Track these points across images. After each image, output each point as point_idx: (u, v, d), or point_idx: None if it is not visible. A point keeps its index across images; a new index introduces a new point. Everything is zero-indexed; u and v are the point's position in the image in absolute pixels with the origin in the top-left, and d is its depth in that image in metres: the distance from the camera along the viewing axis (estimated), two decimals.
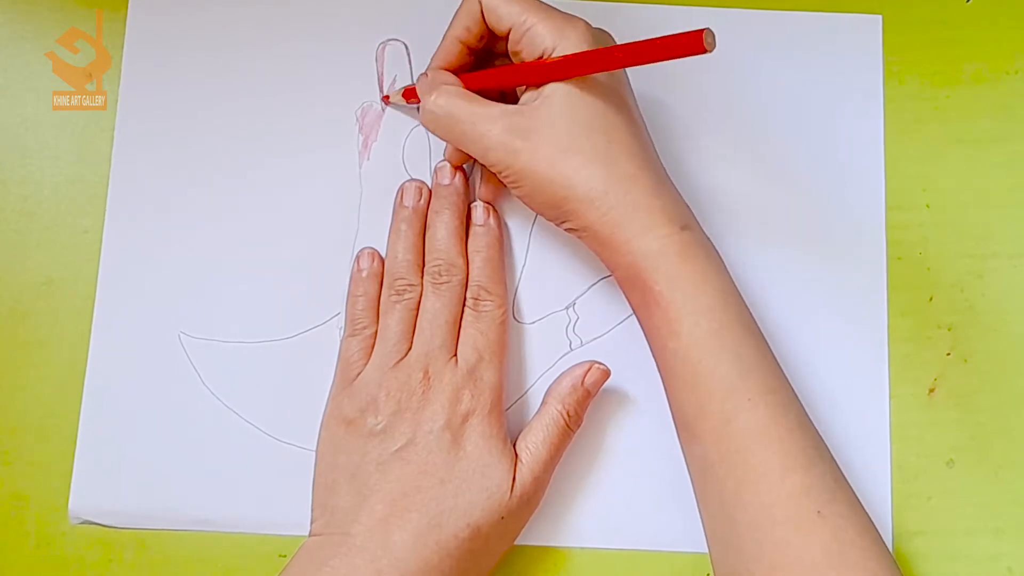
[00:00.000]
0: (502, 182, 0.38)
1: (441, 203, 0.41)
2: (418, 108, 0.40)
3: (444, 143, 0.41)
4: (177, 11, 0.43)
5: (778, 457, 0.34)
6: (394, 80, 0.43)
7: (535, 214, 0.42)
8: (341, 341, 0.41)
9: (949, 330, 0.42)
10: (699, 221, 0.38)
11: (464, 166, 0.42)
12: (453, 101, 0.38)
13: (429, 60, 0.41)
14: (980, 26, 0.44)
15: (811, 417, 0.36)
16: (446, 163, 0.42)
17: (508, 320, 0.41)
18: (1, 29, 0.43)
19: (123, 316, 0.41)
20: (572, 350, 0.42)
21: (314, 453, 0.39)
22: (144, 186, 0.42)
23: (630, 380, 0.41)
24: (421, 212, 0.41)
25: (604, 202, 0.36)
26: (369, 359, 0.39)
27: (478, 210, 0.41)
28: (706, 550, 0.37)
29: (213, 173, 0.42)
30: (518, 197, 0.38)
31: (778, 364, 0.37)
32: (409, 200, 0.41)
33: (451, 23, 0.40)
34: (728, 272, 0.37)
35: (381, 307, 0.40)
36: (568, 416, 0.39)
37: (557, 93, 0.37)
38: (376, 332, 0.40)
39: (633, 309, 0.38)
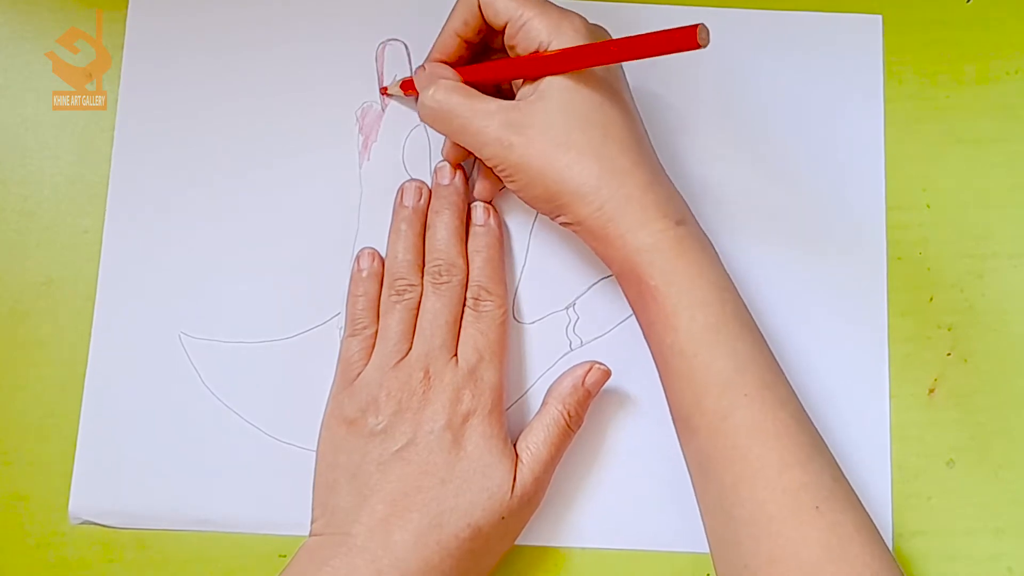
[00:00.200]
0: (499, 179, 0.39)
1: (441, 203, 0.41)
2: (416, 101, 0.40)
3: (444, 143, 0.41)
4: (177, 11, 0.43)
5: (775, 452, 0.34)
6: (394, 80, 0.43)
7: (535, 214, 0.42)
8: (341, 341, 0.41)
9: (949, 330, 0.42)
10: (699, 220, 0.38)
11: (464, 166, 0.42)
12: (450, 96, 0.38)
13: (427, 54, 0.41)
14: (980, 26, 0.44)
15: (811, 416, 0.36)
16: (446, 163, 0.42)
17: (508, 320, 0.41)
18: (1, 29, 0.43)
19: (123, 316, 0.41)
20: (572, 350, 0.42)
21: (314, 453, 0.39)
22: (144, 186, 0.42)
23: (630, 380, 0.41)
24: (421, 212, 0.41)
25: (597, 196, 0.36)
26: (369, 359, 0.39)
27: (478, 210, 0.41)
28: (706, 550, 0.37)
29: (213, 173, 0.42)
30: (513, 191, 0.38)
31: (775, 360, 0.37)
32: (409, 200, 0.41)
33: (449, 17, 0.40)
34: (724, 267, 0.37)
35: (381, 307, 0.40)
36: (569, 416, 0.39)
37: (553, 88, 0.37)
38: (376, 332, 0.40)
39: (630, 304, 0.38)
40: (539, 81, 0.37)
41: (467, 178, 0.42)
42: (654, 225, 0.36)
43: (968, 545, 0.41)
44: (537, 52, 0.37)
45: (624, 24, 0.40)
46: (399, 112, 0.43)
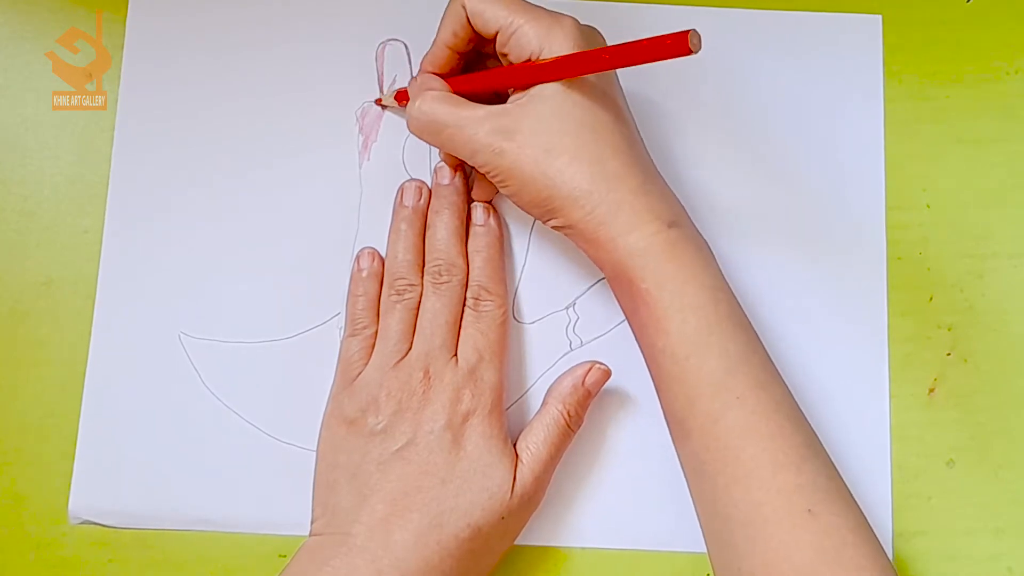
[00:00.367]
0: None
1: (441, 203, 0.41)
2: None
3: None
4: (177, 11, 0.43)
5: (768, 454, 0.34)
6: (394, 80, 0.43)
7: None
8: (341, 341, 0.41)
9: (949, 330, 0.42)
10: (698, 221, 0.38)
11: (464, 166, 0.42)
12: (437, 106, 0.38)
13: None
14: (980, 26, 0.44)
15: (811, 417, 0.36)
16: (445, 163, 0.42)
17: (508, 320, 0.41)
18: (1, 29, 0.43)
19: (123, 316, 0.41)
20: (572, 350, 0.42)
21: (314, 453, 0.39)
22: (144, 186, 0.42)
23: (630, 380, 0.41)
24: (421, 212, 0.41)
25: (589, 200, 0.36)
26: (370, 359, 0.39)
27: (478, 210, 0.41)
28: (706, 550, 0.37)
29: (213, 173, 0.42)
30: (507, 196, 0.38)
31: (770, 360, 0.37)
32: (409, 200, 0.41)
33: (439, 28, 0.39)
34: (718, 268, 0.37)
35: (381, 307, 0.40)
36: (569, 416, 0.39)
37: (544, 92, 0.36)
38: (376, 332, 0.40)
39: (622, 308, 0.38)
40: (531, 87, 0.37)
41: (467, 178, 0.42)
42: (645, 228, 0.36)
43: (968, 545, 0.41)
44: (529, 59, 0.37)
45: (624, 24, 0.41)
46: (399, 112, 0.43)
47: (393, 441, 0.37)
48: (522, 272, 0.42)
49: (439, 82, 0.39)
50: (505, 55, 0.38)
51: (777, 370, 0.37)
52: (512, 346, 0.41)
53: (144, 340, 0.41)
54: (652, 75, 0.43)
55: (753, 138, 0.43)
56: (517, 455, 0.38)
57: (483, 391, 0.38)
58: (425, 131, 0.38)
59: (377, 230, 0.42)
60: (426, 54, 0.40)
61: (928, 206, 0.43)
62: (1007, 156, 0.43)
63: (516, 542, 0.39)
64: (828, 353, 0.42)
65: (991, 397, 0.42)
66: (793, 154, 0.43)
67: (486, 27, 0.38)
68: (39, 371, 0.41)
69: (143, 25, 0.43)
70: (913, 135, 0.43)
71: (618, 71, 0.39)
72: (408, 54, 0.43)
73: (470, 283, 0.40)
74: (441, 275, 0.40)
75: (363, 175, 0.43)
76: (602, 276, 0.42)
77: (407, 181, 0.42)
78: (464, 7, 0.38)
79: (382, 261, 0.41)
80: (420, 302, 0.40)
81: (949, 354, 0.42)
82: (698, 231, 0.38)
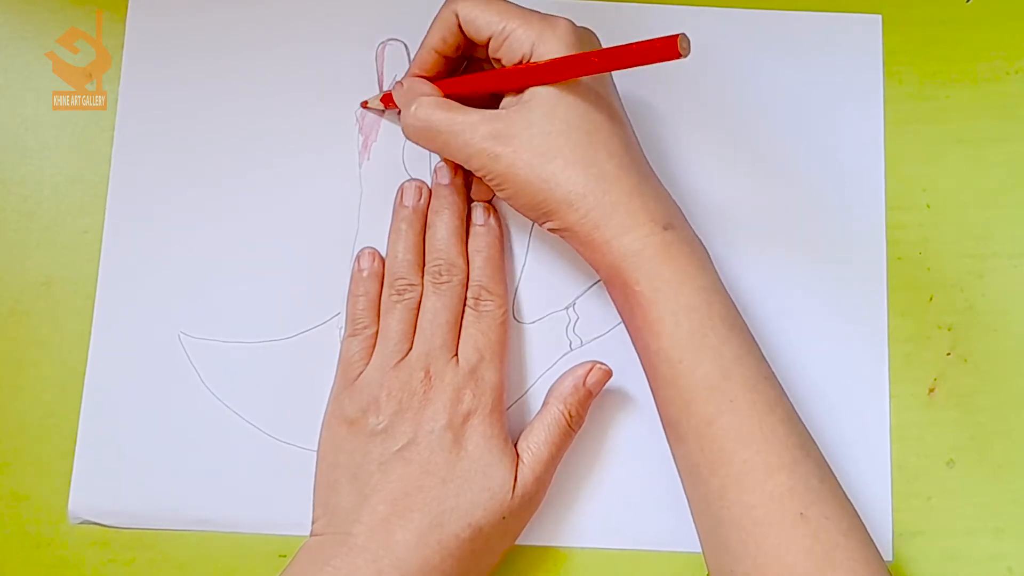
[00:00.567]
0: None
1: (441, 203, 0.41)
2: (398, 114, 0.40)
3: None
4: (177, 11, 0.43)
5: (761, 457, 0.34)
6: (394, 80, 0.43)
7: None
8: (342, 341, 0.41)
9: (949, 330, 0.42)
10: (697, 222, 0.38)
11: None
12: (432, 112, 0.38)
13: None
14: (980, 26, 0.44)
15: (810, 417, 0.37)
16: (445, 163, 0.42)
17: (509, 320, 0.41)
18: (1, 29, 0.43)
19: (123, 316, 0.41)
20: (572, 350, 0.42)
21: (314, 453, 0.39)
22: (144, 186, 0.42)
23: (631, 380, 0.41)
24: (421, 212, 0.41)
25: (584, 203, 0.36)
26: (370, 359, 0.39)
27: (478, 210, 0.41)
28: (701, 551, 0.37)
29: (213, 173, 0.42)
30: (503, 199, 0.38)
31: (765, 362, 0.37)
32: (409, 200, 0.41)
33: (427, 34, 0.39)
34: (714, 270, 0.37)
35: (382, 307, 0.40)
36: (570, 416, 0.39)
37: (537, 96, 0.36)
38: (377, 332, 0.40)
39: (618, 310, 0.38)
40: (523, 90, 0.37)
41: (467, 178, 0.42)
42: (640, 230, 0.36)
43: (968, 545, 0.41)
44: (521, 62, 0.37)
45: (624, 25, 0.40)
46: (399, 113, 0.43)
47: (394, 441, 0.37)
48: (522, 272, 0.42)
49: (429, 86, 0.39)
50: (498, 60, 0.38)
51: (772, 372, 0.37)
52: (512, 346, 0.41)
53: (144, 340, 0.41)
54: (651, 75, 0.43)
55: (753, 138, 0.43)
56: (518, 455, 0.38)
57: (484, 391, 0.38)
58: (420, 136, 0.38)
59: (377, 230, 0.42)
60: (413, 59, 0.40)
61: (928, 206, 0.43)
62: (1007, 156, 0.43)
63: (516, 542, 0.39)
64: (828, 353, 0.42)
65: (991, 397, 0.42)
66: (793, 154, 0.43)
67: (479, 33, 0.38)
68: (39, 371, 0.41)
69: (143, 25, 0.43)
70: (913, 135, 0.43)
71: (615, 72, 0.39)
72: (408, 54, 0.43)
73: (470, 283, 0.40)
74: (441, 275, 0.40)
75: (363, 175, 0.43)
76: None
77: (407, 181, 0.42)
78: (456, 14, 0.38)
79: (382, 261, 0.41)
80: (420, 302, 0.40)
81: (949, 354, 0.42)
82: (694, 232, 0.38)
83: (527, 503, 0.38)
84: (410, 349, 0.39)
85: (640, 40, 0.34)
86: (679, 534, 0.40)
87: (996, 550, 0.41)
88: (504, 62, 0.37)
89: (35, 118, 0.43)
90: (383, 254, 0.41)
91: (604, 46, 0.38)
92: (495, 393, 0.38)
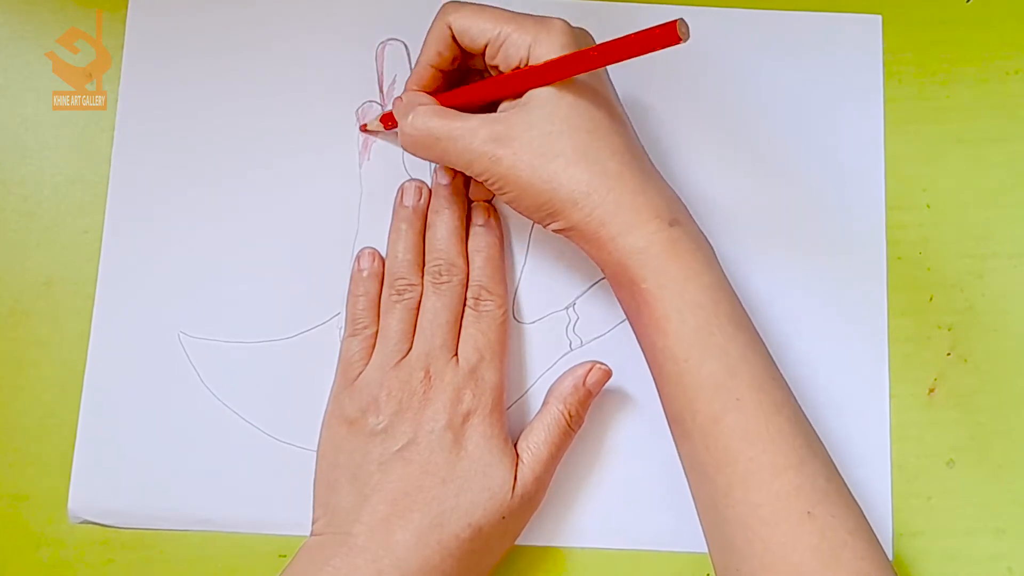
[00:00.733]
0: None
1: (441, 203, 0.41)
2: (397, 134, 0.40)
3: None
4: (177, 11, 0.43)
5: (768, 456, 0.34)
6: (394, 80, 0.43)
7: None
8: (341, 341, 0.41)
9: (949, 330, 0.42)
10: (698, 222, 0.38)
11: None
12: (429, 120, 0.37)
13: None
14: (980, 26, 0.44)
15: (810, 417, 0.36)
16: None
17: (509, 320, 0.41)
18: (1, 29, 0.43)
19: (123, 316, 0.41)
20: (572, 350, 0.42)
21: (314, 453, 0.39)
22: (144, 186, 0.42)
23: (630, 380, 0.41)
24: (421, 212, 0.41)
25: (588, 202, 0.36)
26: (370, 359, 0.39)
27: (478, 210, 0.41)
28: (706, 550, 0.37)
29: (213, 173, 0.42)
30: (506, 203, 0.38)
31: (771, 360, 0.37)
32: (409, 200, 0.41)
33: (422, 49, 0.39)
34: (720, 267, 0.37)
35: (382, 307, 0.40)
36: (569, 416, 0.39)
37: (536, 97, 0.36)
38: (377, 332, 0.40)
39: (623, 307, 0.38)
40: (522, 94, 0.37)
41: (467, 178, 0.42)
42: (646, 227, 0.36)
43: (968, 545, 0.41)
44: (519, 66, 0.36)
45: (623, 24, 0.40)
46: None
47: (394, 441, 0.37)
48: (522, 272, 0.42)
49: (428, 97, 0.39)
50: (495, 67, 0.38)
51: (778, 370, 0.37)
52: (512, 346, 0.41)
53: (143, 340, 0.41)
54: (651, 75, 0.43)
55: (753, 138, 0.43)
56: (518, 455, 0.38)
57: (484, 391, 0.38)
58: (419, 146, 0.38)
59: (377, 230, 0.42)
60: (410, 76, 0.40)
61: (928, 206, 0.43)
62: (1007, 156, 0.43)
63: (516, 542, 0.39)
64: (828, 353, 0.42)
65: (991, 397, 0.42)
66: (793, 154, 0.43)
67: (474, 42, 0.37)
68: (39, 371, 0.41)
69: (143, 25, 0.43)
70: (913, 135, 0.43)
71: (615, 73, 0.39)
72: (408, 54, 0.43)
73: (470, 283, 0.40)
74: (441, 275, 0.40)
75: (363, 175, 0.43)
76: (602, 276, 0.42)
77: (407, 181, 0.42)
78: (450, 26, 0.38)
79: (383, 261, 0.41)
80: (420, 302, 0.40)
81: (949, 354, 0.42)
82: (699, 229, 0.38)
83: (527, 503, 0.38)
84: (410, 349, 0.39)
85: (638, 30, 0.33)
86: (679, 534, 0.40)
87: (996, 550, 0.41)
88: (502, 68, 0.37)
89: (35, 118, 0.43)
90: (383, 254, 0.41)
91: None
92: (495, 393, 0.38)
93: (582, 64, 0.35)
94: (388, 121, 0.42)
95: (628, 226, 0.36)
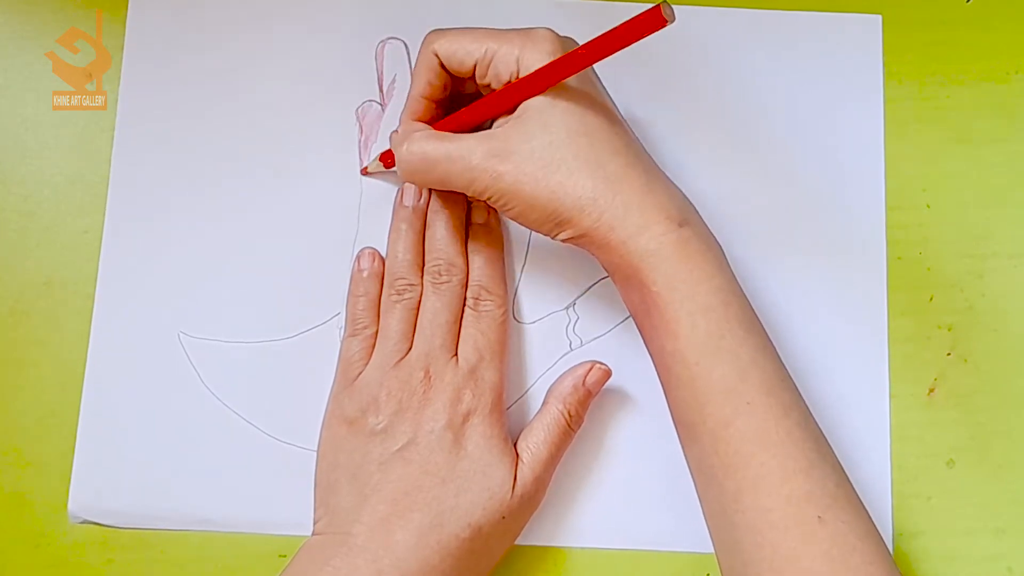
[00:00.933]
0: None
1: (441, 203, 0.41)
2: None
3: None
4: (177, 11, 0.43)
5: (778, 460, 0.34)
6: (394, 79, 0.43)
7: None
8: (341, 341, 0.41)
9: (949, 330, 0.42)
10: None
11: None
12: (425, 144, 0.37)
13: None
14: (980, 26, 0.44)
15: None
16: None
17: (508, 320, 0.41)
18: (1, 29, 0.43)
19: (123, 316, 0.41)
20: (572, 350, 0.42)
21: (314, 453, 0.39)
22: (144, 186, 0.42)
23: (630, 380, 0.41)
24: (421, 212, 0.41)
25: (595, 207, 0.35)
26: (370, 359, 0.39)
27: (478, 210, 0.41)
28: (706, 550, 0.37)
29: (213, 173, 0.42)
30: (512, 219, 0.37)
31: (780, 362, 0.36)
32: (409, 200, 0.41)
33: (412, 82, 0.39)
34: (730, 268, 0.37)
35: (382, 307, 0.40)
36: (569, 416, 0.39)
37: (530, 109, 0.36)
38: (377, 332, 0.40)
39: (630, 310, 0.38)
40: (516, 108, 0.37)
41: None
42: (656, 228, 0.36)
43: (968, 545, 0.41)
44: (509, 82, 0.36)
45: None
46: (399, 111, 0.43)
47: (394, 441, 0.37)
48: (522, 272, 0.42)
49: (423, 125, 0.39)
50: (487, 85, 0.38)
51: (788, 373, 0.36)
52: (512, 346, 0.41)
53: (143, 340, 0.41)
54: (651, 76, 0.43)
55: (753, 138, 0.43)
56: (517, 455, 0.38)
57: (483, 391, 0.38)
58: (417, 172, 0.38)
59: (377, 230, 0.42)
60: (403, 109, 0.40)
61: (928, 206, 0.43)
62: (1007, 156, 0.43)
63: (516, 542, 0.39)
64: (828, 353, 0.42)
65: (991, 397, 0.42)
66: (793, 154, 0.43)
67: (463, 65, 0.37)
68: (39, 371, 0.41)
69: (143, 25, 0.43)
70: (913, 135, 0.43)
71: (615, 74, 0.39)
72: (408, 53, 0.43)
73: (470, 283, 0.40)
74: (441, 275, 0.40)
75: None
76: (602, 276, 0.42)
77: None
78: (436, 53, 0.38)
79: (383, 261, 0.41)
80: (420, 302, 0.40)
81: (949, 354, 0.42)
82: (707, 227, 0.37)
83: (527, 503, 0.38)
84: (410, 349, 0.39)
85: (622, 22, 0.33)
86: (679, 534, 0.40)
87: (996, 550, 0.41)
88: (493, 86, 0.37)
89: (35, 118, 0.43)
90: (383, 254, 0.41)
91: None
92: (495, 393, 0.38)
93: (572, 66, 0.35)
94: (388, 159, 0.41)
95: (638, 228, 0.35)
